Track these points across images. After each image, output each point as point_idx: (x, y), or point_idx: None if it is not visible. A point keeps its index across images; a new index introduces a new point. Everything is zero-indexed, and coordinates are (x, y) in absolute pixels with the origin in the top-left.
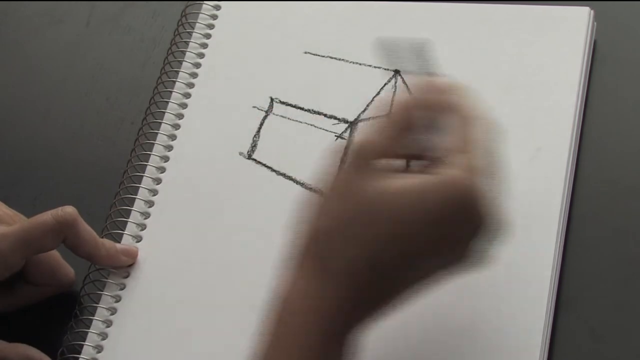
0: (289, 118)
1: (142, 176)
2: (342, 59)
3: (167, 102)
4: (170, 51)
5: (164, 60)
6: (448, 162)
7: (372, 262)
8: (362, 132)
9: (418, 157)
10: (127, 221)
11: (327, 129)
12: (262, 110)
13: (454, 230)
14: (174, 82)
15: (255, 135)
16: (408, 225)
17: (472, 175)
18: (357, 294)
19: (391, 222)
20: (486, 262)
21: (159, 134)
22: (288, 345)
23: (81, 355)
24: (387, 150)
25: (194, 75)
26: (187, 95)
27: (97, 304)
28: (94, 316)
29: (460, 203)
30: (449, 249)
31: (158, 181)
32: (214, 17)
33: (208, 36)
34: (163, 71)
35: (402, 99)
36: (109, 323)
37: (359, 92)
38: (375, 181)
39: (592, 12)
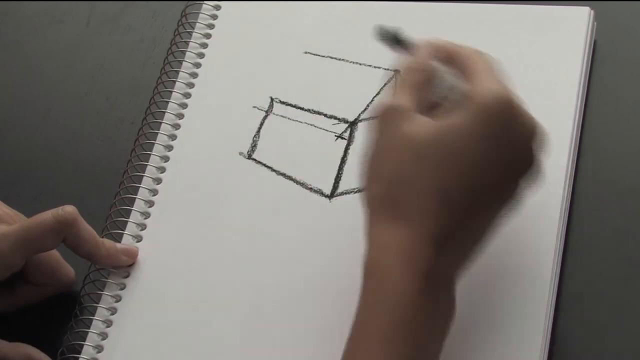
0: (289, 118)
1: (142, 176)
2: (342, 59)
3: (167, 102)
4: (170, 51)
5: (164, 60)
6: (474, 88)
7: (443, 199)
8: (394, 85)
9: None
10: (127, 221)
11: (327, 129)
12: (262, 110)
13: (510, 144)
14: (174, 82)
15: (255, 135)
16: (467, 153)
17: (504, 85)
18: (436, 233)
19: (451, 155)
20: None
21: (159, 134)
22: (384, 309)
23: (81, 355)
24: (419, 97)
25: (194, 75)
26: (187, 95)
27: (97, 303)
28: (94, 316)
29: (507, 109)
30: (508, 176)
31: (158, 181)
32: (214, 17)
33: (208, 36)
34: (163, 71)
35: (420, 49)
36: (109, 323)
37: (359, 92)
38: (420, 125)
39: (592, 12)
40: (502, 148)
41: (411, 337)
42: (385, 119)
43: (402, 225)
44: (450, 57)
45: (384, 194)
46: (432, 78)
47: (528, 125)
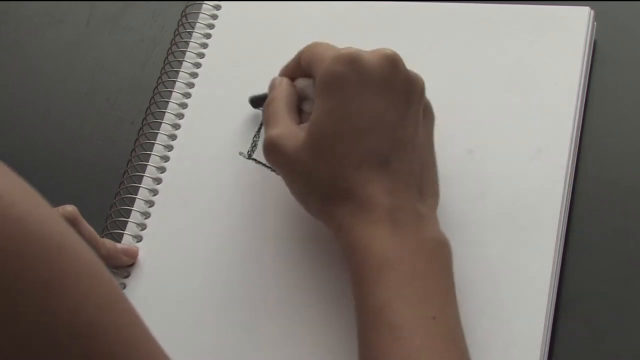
0: None
1: (143, 176)
2: None
3: (167, 102)
4: (170, 51)
5: (164, 60)
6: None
7: (358, 166)
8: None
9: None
10: (127, 221)
11: None
12: (262, 110)
13: (371, 82)
14: (174, 82)
15: (255, 135)
16: (344, 119)
17: (326, 59)
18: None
19: (334, 133)
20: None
21: (159, 134)
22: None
23: None
24: (292, 117)
25: (194, 75)
26: (187, 95)
27: None
28: None
29: (346, 64)
30: (394, 103)
31: (158, 181)
32: (214, 17)
33: (208, 36)
34: (163, 71)
35: (275, 82)
36: None
37: None
38: (296, 137)
39: (592, 12)
40: (371, 91)
41: (401, 271)
42: (273, 149)
43: (348, 205)
44: (298, 67)
45: (320, 194)
46: (295, 95)
47: (377, 60)
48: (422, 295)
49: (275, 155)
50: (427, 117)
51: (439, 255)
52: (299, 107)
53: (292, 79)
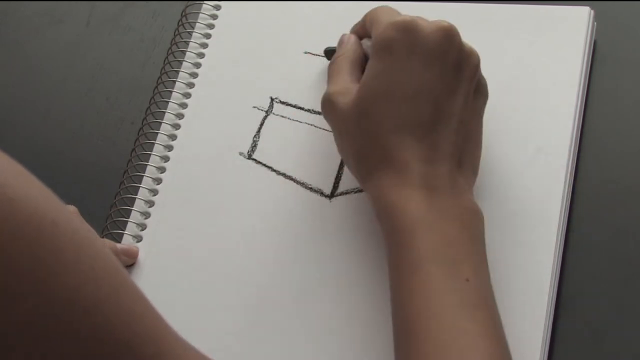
0: (289, 118)
1: (142, 176)
2: None
3: (167, 102)
4: (170, 51)
5: (164, 60)
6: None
7: (399, 131)
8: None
9: None
10: (127, 221)
11: (327, 129)
12: (262, 110)
13: (421, 53)
14: (174, 82)
15: (255, 135)
16: (395, 83)
17: (383, 24)
18: (412, 157)
19: (386, 94)
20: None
21: (159, 134)
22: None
23: None
24: (357, 76)
25: (194, 75)
26: (187, 95)
27: None
28: None
29: (401, 30)
30: (440, 75)
31: (158, 181)
32: (214, 17)
33: (208, 36)
34: (163, 71)
35: (343, 38)
36: None
37: None
38: (349, 95)
39: (592, 12)
40: (421, 60)
41: (434, 237)
42: (328, 106)
43: (385, 169)
44: (365, 27)
45: (369, 158)
46: (360, 54)
47: (432, 30)
48: (454, 258)
49: (328, 111)
50: (479, 94)
51: (471, 224)
52: (364, 65)
53: (361, 37)
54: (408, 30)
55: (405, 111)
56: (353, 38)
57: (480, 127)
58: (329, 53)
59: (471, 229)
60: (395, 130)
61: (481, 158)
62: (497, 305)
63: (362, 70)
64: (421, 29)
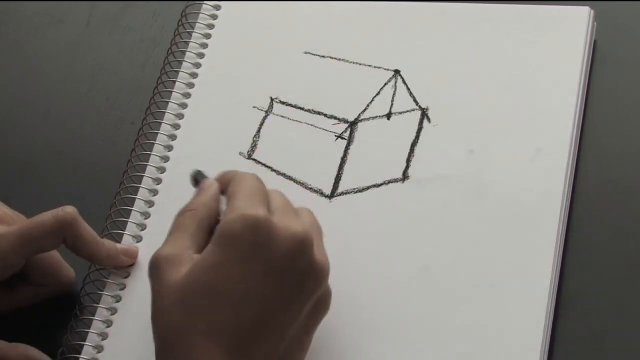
0: (289, 118)
1: (142, 176)
2: (342, 59)
3: (167, 102)
4: (170, 51)
5: (164, 60)
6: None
7: (219, 337)
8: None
9: None
10: (127, 221)
11: (327, 128)
12: (262, 110)
13: (270, 260)
14: (174, 82)
15: (255, 135)
16: (222, 283)
17: (236, 212)
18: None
19: (210, 289)
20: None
21: (159, 134)
22: None
23: (81, 355)
24: (199, 237)
25: (194, 75)
26: (187, 95)
27: (97, 304)
28: (94, 316)
29: (251, 228)
30: (283, 289)
31: (158, 181)
32: (214, 17)
33: (208, 36)
34: (163, 71)
35: (204, 186)
36: (109, 323)
37: (359, 92)
38: (182, 268)
39: (592, 12)
40: (262, 266)
41: None
42: (154, 270)
43: None
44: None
45: (159, 348)
46: (212, 214)
47: (284, 237)
48: None
49: (152, 276)
50: (317, 310)
51: None
52: (214, 227)
53: (223, 191)
54: (258, 230)
55: (227, 318)
56: (213, 190)
57: (308, 343)
58: (195, 179)
59: None
60: (208, 335)
61: (481, 158)
62: (497, 305)
63: (211, 233)
64: (273, 233)
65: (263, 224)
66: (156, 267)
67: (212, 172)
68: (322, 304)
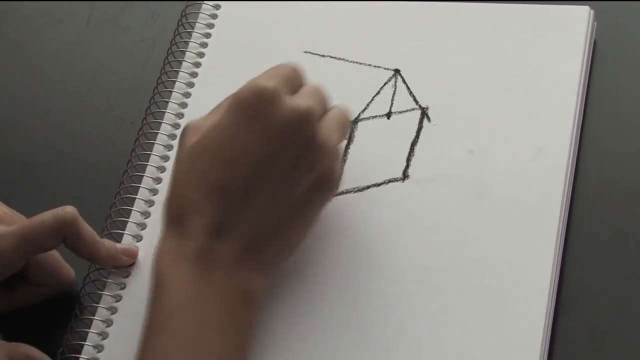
0: None
1: (143, 176)
2: (342, 59)
3: (167, 102)
4: (170, 51)
5: (164, 60)
6: None
7: (209, 190)
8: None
9: None
10: (127, 221)
11: None
12: None
13: (268, 128)
14: (174, 82)
15: None
16: (226, 144)
17: (249, 82)
18: (206, 223)
19: (213, 150)
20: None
21: (159, 134)
22: (163, 305)
23: (81, 355)
24: None
25: (194, 75)
26: (187, 95)
27: (98, 303)
28: (94, 316)
29: (258, 96)
30: (277, 157)
31: (158, 181)
32: (214, 17)
33: (208, 36)
34: (163, 71)
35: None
36: (109, 323)
37: (359, 91)
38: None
39: (592, 12)
40: (261, 132)
41: (189, 320)
42: (181, 137)
43: (173, 228)
44: None
45: (168, 206)
46: None
47: (287, 109)
48: (206, 351)
49: (180, 141)
50: (319, 188)
51: (239, 312)
52: None
53: None
54: (264, 99)
55: (219, 174)
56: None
57: (308, 219)
58: None
59: (237, 318)
60: (200, 190)
61: (481, 158)
62: (497, 305)
63: None
64: (276, 104)
65: (269, 94)
66: (183, 134)
67: None
68: (324, 183)
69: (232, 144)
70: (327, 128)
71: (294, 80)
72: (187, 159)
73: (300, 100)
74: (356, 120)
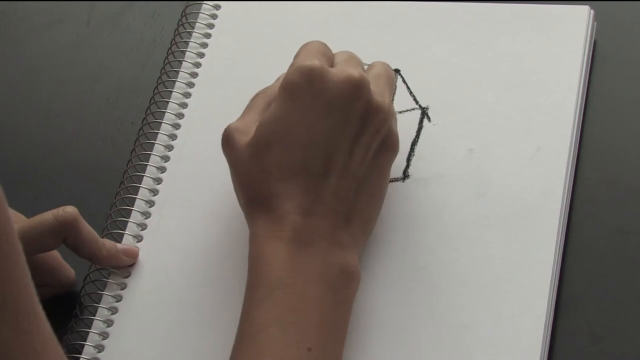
0: None
1: (143, 176)
2: None
3: (167, 102)
4: (170, 51)
5: (164, 60)
6: None
7: (301, 173)
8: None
9: None
10: (127, 221)
11: None
12: None
13: (326, 101)
14: (174, 82)
15: None
16: (289, 126)
17: (294, 66)
18: (296, 204)
19: (282, 135)
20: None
21: (159, 134)
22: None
23: (82, 355)
24: None
25: (194, 75)
26: (187, 95)
27: (98, 303)
28: (94, 316)
29: (305, 76)
30: (343, 124)
31: (158, 181)
32: (214, 17)
33: (208, 36)
34: (163, 71)
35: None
36: (109, 323)
37: None
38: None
39: (592, 11)
40: (322, 108)
41: (289, 295)
42: (226, 140)
43: (265, 217)
44: None
45: (249, 203)
46: None
47: (338, 80)
48: (304, 323)
49: (226, 147)
50: (385, 149)
51: (339, 286)
52: None
53: None
54: (313, 77)
55: (296, 159)
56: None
57: (382, 184)
58: None
59: (338, 291)
60: (282, 178)
61: (481, 157)
62: (497, 304)
63: None
64: (328, 78)
65: (318, 72)
66: (228, 136)
67: (212, 172)
68: (389, 142)
69: (299, 127)
70: (379, 88)
71: (327, 53)
72: (252, 154)
73: (348, 68)
74: None
